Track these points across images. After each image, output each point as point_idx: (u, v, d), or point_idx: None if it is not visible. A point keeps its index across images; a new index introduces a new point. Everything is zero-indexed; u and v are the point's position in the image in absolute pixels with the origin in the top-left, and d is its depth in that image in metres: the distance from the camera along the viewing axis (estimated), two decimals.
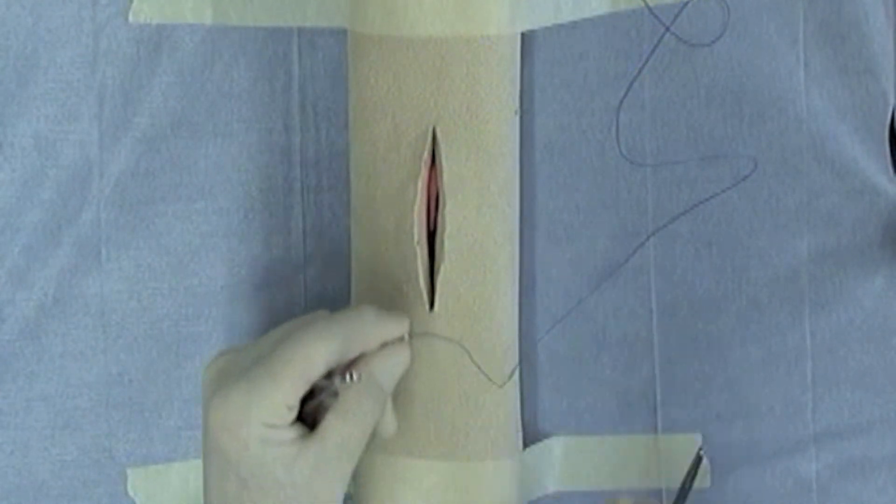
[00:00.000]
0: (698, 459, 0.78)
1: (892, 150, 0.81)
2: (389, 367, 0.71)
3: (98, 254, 0.78)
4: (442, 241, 0.75)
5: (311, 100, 0.78)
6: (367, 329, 0.70)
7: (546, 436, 0.81)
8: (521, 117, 0.77)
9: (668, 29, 0.77)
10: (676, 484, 0.81)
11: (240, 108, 0.78)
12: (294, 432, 0.68)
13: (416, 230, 0.74)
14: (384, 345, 0.71)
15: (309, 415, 0.70)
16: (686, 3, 0.77)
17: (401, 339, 0.72)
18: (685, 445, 0.81)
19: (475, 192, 0.74)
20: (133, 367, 0.79)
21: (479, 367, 0.75)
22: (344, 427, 0.69)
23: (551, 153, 0.79)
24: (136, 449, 0.79)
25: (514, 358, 0.77)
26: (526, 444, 0.79)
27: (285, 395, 0.67)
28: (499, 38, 0.73)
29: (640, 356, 0.81)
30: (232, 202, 0.79)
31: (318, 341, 0.68)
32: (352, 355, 0.70)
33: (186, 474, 0.80)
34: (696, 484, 0.81)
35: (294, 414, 0.68)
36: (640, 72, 0.78)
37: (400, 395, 0.76)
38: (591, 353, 0.81)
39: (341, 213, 0.79)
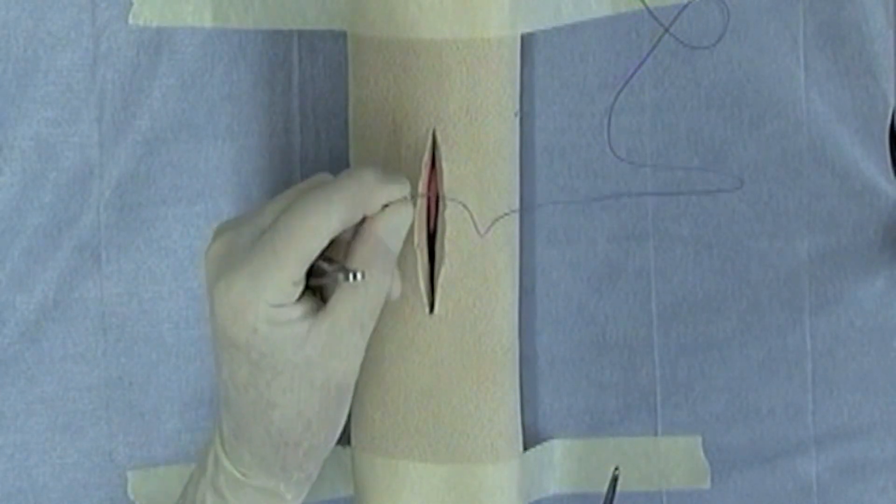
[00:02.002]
0: (614, 480, 0.78)
1: (892, 152, 0.82)
2: (394, 227, 0.69)
3: (98, 256, 0.78)
4: (442, 244, 0.75)
5: (311, 102, 0.78)
6: (368, 193, 0.68)
7: (546, 438, 0.81)
8: (522, 119, 0.77)
9: (667, 30, 0.77)
10: (677, 486, 0.81)
11: (240, 111, 0.78)
12: (302, 308, 0.67)
13: (416, 232, 0.74)
14: (387, 205, 0.69)
15: (318, 287, 0.68)
16: (686, 6, 0.77)
17: (403, 198, 0.70)
18: (686, 447, 0.81)
19: (475, 194, 0.74)
20: (133, 370, 0.79)
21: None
22: (356, 298, 0.67)
23: (551, 155, 0.79)
24: (136, 452, 0.79)
25: (515, 360, 0.77)
26: (526, 447, 0.79)
27: (290, 272, 0.65)
28: (499, 41, 0.73)
29: (640, 358, 0.81)
30: (232, 205, 0.79)
31: (319, 212, 0.66)
32: (356, 220, 0.68)
33: (186, 477, 0.79)
34: (697, 485, 0.81)
35: (300, 289, 0.66)
36: (635, 72, 0.78)
37: (400, 396, 0.76)
38: (592, 355, 0.81)
39: None
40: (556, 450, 0.81)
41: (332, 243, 0.67)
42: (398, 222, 0.69)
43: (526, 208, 0.78)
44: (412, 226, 0.73)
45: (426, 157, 0.74)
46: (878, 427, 0.82)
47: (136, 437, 0.79)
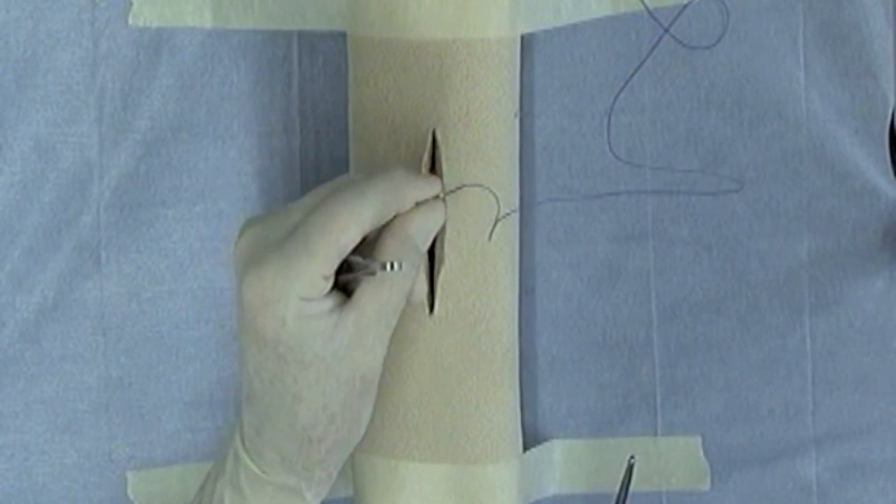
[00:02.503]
0: (630, 470, 0.78)
1: (892, 153, 0.82)
2: (425, 227, 0.70)
3: (98, 257, 0.78)
4: (441, 244, 0.75)
5: (310, 103, 0.78)
6: (399, 191, 0.68)
7: (546, 438, 0.81)
8: (521, 120, 0.77)
9: (666, 31, 0.77)
10: (676, 486, 0.81)
11: (240, 112, 0.78)
12: (331, 302, 0.67)
13: None
14: (418, 204, 0.70)
15: (346, 283, 0.68)
16: (686, 6, 0.77)
17: (435, 197, 0.71)
18: (685, 448, 0.81)
19: (475, 194, 0.74)
20: (133, 371, 0.79)
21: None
22: (381, 291, 0.68)
23: (551, 155, 0.79)
24: (136, 452, 0.79)
25: (515, 360, 0.77)
26: (526, 447, 0.79)
27: (321, 267, 0.65)
28: (499, 41, 0.73)
29: (640, 358, 0.81)
30: (232, 205, 0.79)
31: (352, 208, 0.66)
32: (387, 218, 0.68)
33: (186, 478, 0.80)
34: (696, 485, 0.81)
35: (330, 284, 0.67)
36: (635, 72, 0.78)
37: (400, 397, 0.76)
38: (592, 355, 0.81)
39: None
40: (556, 450, 0.81)
41: (361, 240, 0.68)
42: (430, 221, 0.70)
43: (526, 208, 0.78)
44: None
45: (426, 158, 0.74)
46: (878, 427, 0.82)
47: (135, 438, 0.79)
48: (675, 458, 0.81)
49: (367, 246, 0.69)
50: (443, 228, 0.74)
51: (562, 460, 0.81)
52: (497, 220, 0.75)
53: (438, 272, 0.75)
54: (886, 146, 0.81)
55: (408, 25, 0.73)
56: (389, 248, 0.68)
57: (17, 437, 0.79)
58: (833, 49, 0.80)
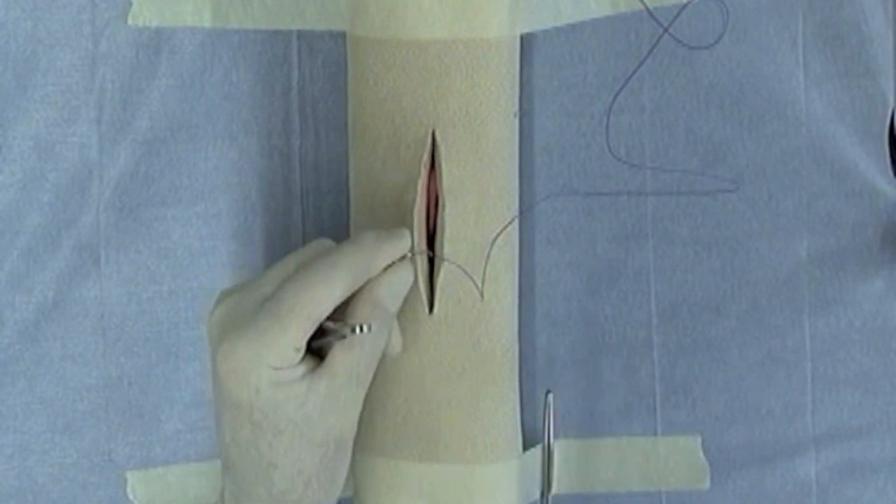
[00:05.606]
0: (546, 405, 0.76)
1: (891, 152, 0.82)
2: (394, 290, 0.70)
3: (97, 257, 0.78)
4: (441, 244, 0.75)
5: (310, 103, 0.78)
6: (369, 259, 0.69)
7: None
8: (521, 119, 0.77)
9: (666, 31, 0.77)
10: (676, 486, 0.81)
11: (239, 112, 0.78)
12: (303, 368, 0.68)
13: (415, 232, 0.74)
14: (387, 267, 0.70)
15: (319, 346, 0.69)
16: (686, 6, 0.77)
17: (402, 257, 0.71)
18: (685, 448, 0.81)
19: (474, 194, 0.74)
20: (132, 371, 0.79)
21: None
22: (352, 355, 0.68)
23: (551, 155, 0.79)
24: (135, 452, 0.79)
25: (514, 360, 0.77)
26: (526, 447, 0.79)
27: (294, 339, 0.66)
28: (498, 41, 0.73)
29: (639, 358, 0.81)
30: (231, 205, 0.79)
31: (323, 283, 0.67)
32: (358, 286, 0.69)
33: (186, 477, 0.80)
34: (696, 485, 0.81)
35: (302, 353, 0.67)
36: (634, 72, 0.78)
37: (400, 396, 0.76)
38: (591, 355, 0.81)
39: (341, 217, 0.79)
40: (556, 450, 0.81)
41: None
42: (398, 284, 0.71)
43: (525, 207, 0.78)
44: (412, 226, 0.73)
45: (426, 157, 0.74)
46: (877, 427, 0.82)
47: (135, 438, 0.79)
48: (674, 458, 0.81)
49: (338, 309, 0.69)
50: (443, 228, 0.74)
51: (561, 460, 0.81)
52: (504, 227, 0.75)
53: (438, 272, 0.75)
54: (886, 146, 0.81)
55: (408, 25, 0.73)
56: (360, 313, 0.69)
57: (17, 436, 0.78)
58: (832, 49, 0.80)
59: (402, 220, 0.74)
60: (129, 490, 0.79)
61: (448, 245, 0.74)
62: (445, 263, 0.74)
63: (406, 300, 0.75)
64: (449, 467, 0.76)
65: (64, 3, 0.76)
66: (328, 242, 0.71)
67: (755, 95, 0.79)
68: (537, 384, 0.80)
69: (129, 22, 0.76)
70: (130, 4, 0.76)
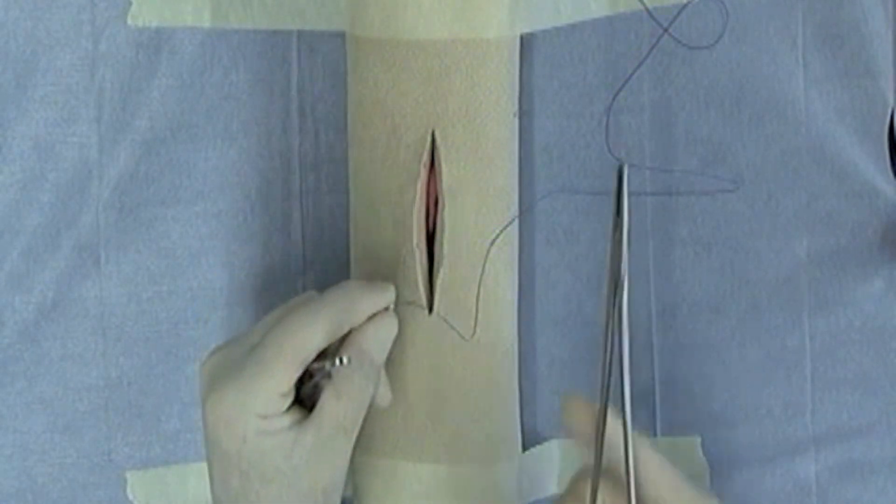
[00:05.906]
0: (620, 173, 0.68)
1: (891, 153, 0.82)
2: (379, 340, 0.71)
3: (97, 257, 0.78)
4: (441, 244, 0.75)
5: (310, 103, 0.78)
6: (353, 306, 0.70)
7: (545, 439, 0.81)
8: (521, 119, 0.77)
9: (665, 31, 0.77)
10: None
11: (239, 112, 0.78)
12: (290, 418, 0.69)
13: (415, 232, 0.74)
14: (372, 317, 0.71)
15: (307, 396, 0.70)
16: (685, 6, 0.77)
17: (386, 308, 0.72)
18: (685, 448, 0.81)
19: (474, 194, 0.74)
20: (132, 371, 0.79)
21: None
22: (338, 406, 0.69)
23: (550, 155, 0.79)
24: (135, 452, 0.79)
25: (514, 360, 0.77)
26: (525, 447, 0.79)
27: (278, 385, 0.67)
28: (498, 41, 0.73)
29: (639, 358, 0.81)
30: (231, 205, 0.79)
31: (306, 327, 0.68)
32: (341, 333, 0.70)
33: (185, 477, 0.80)
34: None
35: (289, 400, 0.68)
36: (634, 72, 0.78)
37: (400, 397, 0.76)
38: (591, 356, 0.81)
39: (340, 216, 0.79)
40: (556, 450, 0.81)
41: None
42: (382, 335, 0.71)
43: (525, 207, 0.78)
44: (412, 226, 0.73)
45: (425, 158, 0.74)
46: (877, 427, 0.82)
47: (134, 438, 0.79)
48: (674, 458, 0.81)
49: (325, 356, 0.70)
50: (442, 229, 0.74)
51: (561, 460, 0.81)
52: (504, 227, 0.75)
53: (438, 272, 0.75)
54: (885, 146, 0.81)
55: (408, 25, 0.73)
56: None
57: (17, 437, 0.79)
58: (832, 49, 0.80)
59: (402, 220, 0.75)
60: (128, 490, 0.79)
61: (448, 245, 0.74)
62: (446, 264, 0.74)
63: (406, 301, 0.75)
64: (449, 467, 0.76)
65: (64, 3, 0.76)
66: (315, 294, 0.72)
67: (755, 95, 0.79)
68: (537, 384, 0.80)
69: (129, 22, 0.76)
70: (130, 4, 0.76)
